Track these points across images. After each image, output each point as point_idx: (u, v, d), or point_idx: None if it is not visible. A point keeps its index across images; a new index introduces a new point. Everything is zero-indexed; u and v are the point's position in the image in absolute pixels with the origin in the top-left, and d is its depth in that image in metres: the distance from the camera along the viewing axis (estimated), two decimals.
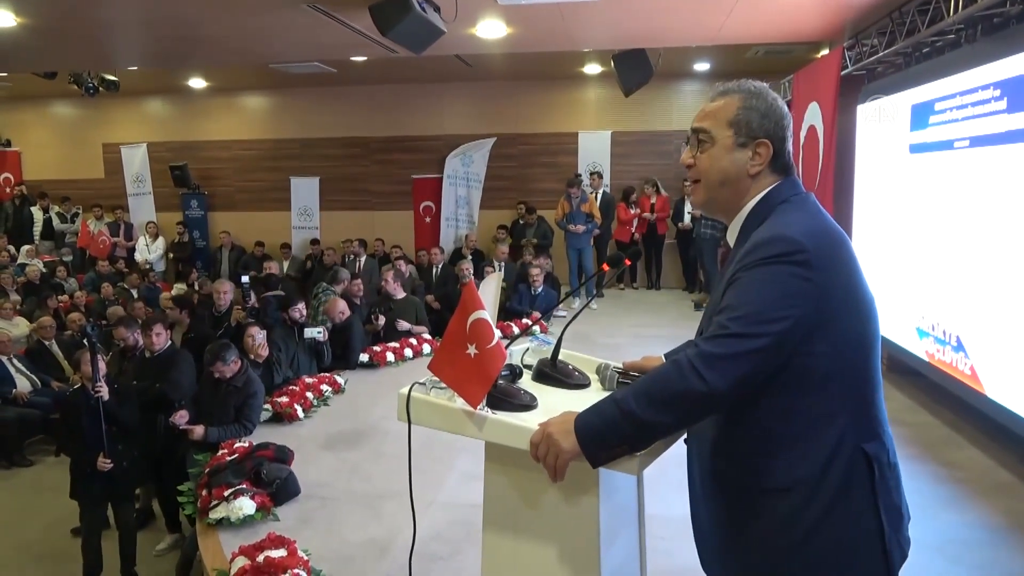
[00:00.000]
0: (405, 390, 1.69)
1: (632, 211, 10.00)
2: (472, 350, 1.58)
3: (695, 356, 1.37)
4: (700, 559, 1.68)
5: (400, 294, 7.22)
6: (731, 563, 1.54)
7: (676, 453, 1.64)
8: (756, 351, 1.35)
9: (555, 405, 1.66)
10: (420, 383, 1.70)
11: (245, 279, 6.73)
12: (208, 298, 8.34)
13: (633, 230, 10.00)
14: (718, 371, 1.34)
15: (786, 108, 1.59)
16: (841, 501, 1.41)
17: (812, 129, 6.73)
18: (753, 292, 1.39)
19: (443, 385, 1.67)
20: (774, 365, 1.38)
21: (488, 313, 1.62)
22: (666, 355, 1.86)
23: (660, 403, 1.40)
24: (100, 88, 9.20)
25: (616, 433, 1.43)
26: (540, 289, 7.90)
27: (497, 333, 1.64)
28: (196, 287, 9.19)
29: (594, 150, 10.79)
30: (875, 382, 1.50)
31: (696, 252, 9.44)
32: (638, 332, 7.31)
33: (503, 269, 8.68)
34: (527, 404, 1.71)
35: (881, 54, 5.77)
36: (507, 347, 1.89)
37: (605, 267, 1.89)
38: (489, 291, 1.84)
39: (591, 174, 10.09)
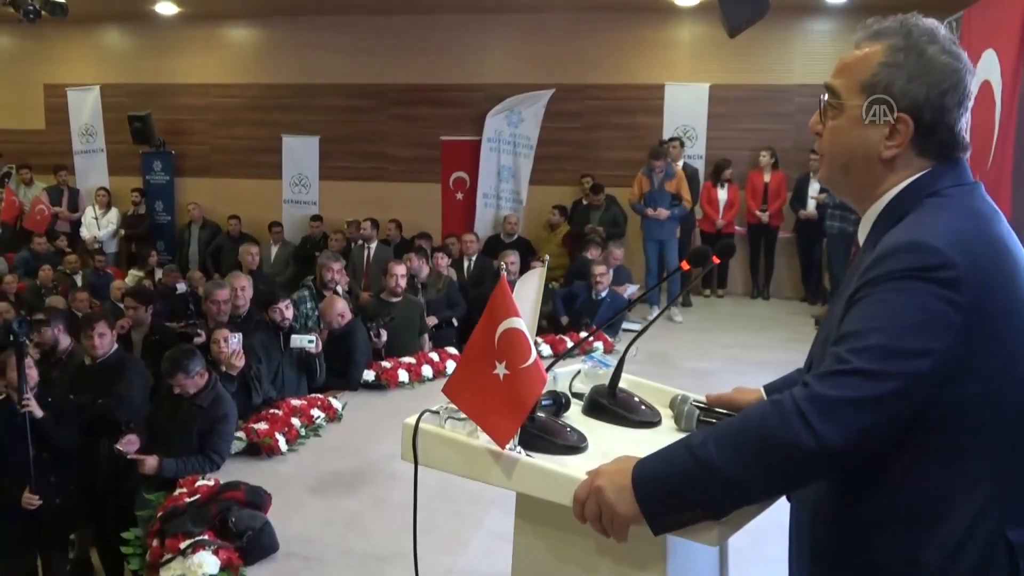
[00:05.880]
0: (412, 420, 1.70)
1: (720, 192, 9.93)
2: (501, 370, 1.59)
3: (804, 398, 1.36)
4: None
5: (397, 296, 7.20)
6: None
7: (773, 519, 1.62)
8: (886, 396, 1.33)
9: (611, 448, 1.66)
10: (432, 411, 1.72)
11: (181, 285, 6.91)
12: (172, 292, 8.53)
13: (720, 219, 9.95)
14: (834, 421, 1.33)
15: (962, 63, 1.51)
16: None
17: (986, 85, 6.57)
18: (883, 317, 1.38)
19: (462, 415, 1.68)
20: (907, 415, 1.36)
21: (525, 321, 1.62)
22: (766, 388, 1.85)
23: (751, 456, 1.39)
24: (42, 13, 9.35)
25: (688, 491, 1.43)
26: (604, 293, 7.87)
27: (535, 349, 1.64)
28: (156, 276, 9.35)
29: (686, 109, 10.72)
30: None
31: (823, 251, 9.31)
32: (735, 355, 7.26)
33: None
34: (574, 445, 1.71)
35: None
36: (550, 368, 1.90)
37: (685, 265, 1.87)
38: (528, 292, 1.84)
39: (671, 140, 9.99)
